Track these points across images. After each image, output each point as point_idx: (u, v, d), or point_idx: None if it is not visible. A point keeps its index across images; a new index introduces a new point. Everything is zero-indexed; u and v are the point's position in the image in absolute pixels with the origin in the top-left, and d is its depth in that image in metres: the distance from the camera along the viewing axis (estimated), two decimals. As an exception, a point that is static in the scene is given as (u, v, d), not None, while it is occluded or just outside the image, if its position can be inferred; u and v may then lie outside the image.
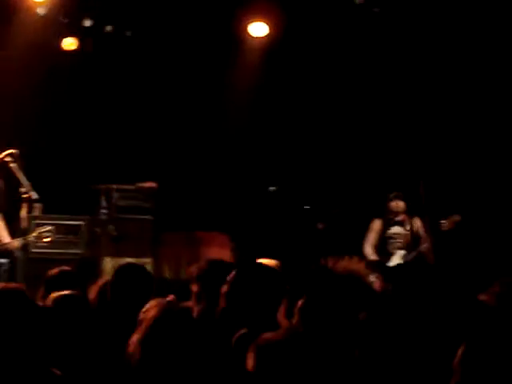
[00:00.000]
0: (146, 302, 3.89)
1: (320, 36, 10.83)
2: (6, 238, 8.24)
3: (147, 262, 9.17)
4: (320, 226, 10.52)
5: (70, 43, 10.92)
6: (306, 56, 11.10)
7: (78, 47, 10.95)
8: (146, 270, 4.98)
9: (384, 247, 9.56)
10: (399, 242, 9.54)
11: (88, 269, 8.78)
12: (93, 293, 5.01)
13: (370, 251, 9.53)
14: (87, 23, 10.74)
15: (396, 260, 9.48)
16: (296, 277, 4.61)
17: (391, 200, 9.54)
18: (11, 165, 8.27)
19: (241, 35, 11.02)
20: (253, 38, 11.05)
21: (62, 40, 10.89)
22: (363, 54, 10.84)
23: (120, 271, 4.86)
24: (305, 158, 11.38)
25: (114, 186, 9.98)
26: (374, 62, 10.87)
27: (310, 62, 11.14)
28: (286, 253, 8.42)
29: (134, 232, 9.83)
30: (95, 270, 9.20)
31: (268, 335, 3.10)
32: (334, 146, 11.27)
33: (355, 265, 5.20)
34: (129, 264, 5.23)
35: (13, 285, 3.53)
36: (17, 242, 8.24)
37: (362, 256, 8.96)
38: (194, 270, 4.70)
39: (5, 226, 8.36)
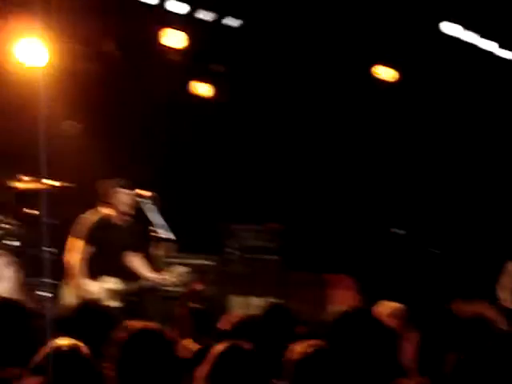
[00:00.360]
0: (290, 342, 3.96)
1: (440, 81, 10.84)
2: (147, 275, 8.47)
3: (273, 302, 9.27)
4: (447, 268, 10.37)
5: (202, 88, 11.26)
6: (433, 97, 11.08)
7: (210, 92, 11.29)
8: (290, 313, 5.13)
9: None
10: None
11: (217, 307, 8.95)
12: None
13: (505, 296, 9.08)
14: (220, 69, 11.05)
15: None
16: (422, 321, 4.61)
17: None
18: (145, 206, 8.58)
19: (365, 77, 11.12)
20: (377, 79, 11.12)
21: (194, 85, 11.25)
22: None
23: (268, 312, 5.03)
24: (434, 201, 11.28)
25: (242, 227, 10.17)
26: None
27: (437, 103, 11.10)
28: (413, 296, 8.36)
29: (260, 272, 9.97)
30: (224, 309, 9.37)
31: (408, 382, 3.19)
32: (464, 188, 11.14)
33: (484, 309, 5.14)
34: (276, 305, 5.42)
35: (152, 325, 3.59)
36: (157, 280, 8.45)
37: (494, 300, 8.64)
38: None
39: (144, 264, 8.61)
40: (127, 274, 8.46)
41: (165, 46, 10.55)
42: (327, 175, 11.39)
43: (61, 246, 8.74)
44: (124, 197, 8.42)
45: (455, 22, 10.62)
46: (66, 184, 9.55)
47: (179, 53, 10.63)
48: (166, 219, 8.67)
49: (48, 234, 9.56)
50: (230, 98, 11.35)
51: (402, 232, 11.11)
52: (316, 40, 10.64)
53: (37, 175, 9.50)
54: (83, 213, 8.52)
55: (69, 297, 8.21)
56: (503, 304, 8.83)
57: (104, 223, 8.40)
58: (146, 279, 8.40)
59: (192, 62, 10.95)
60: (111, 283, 8.31)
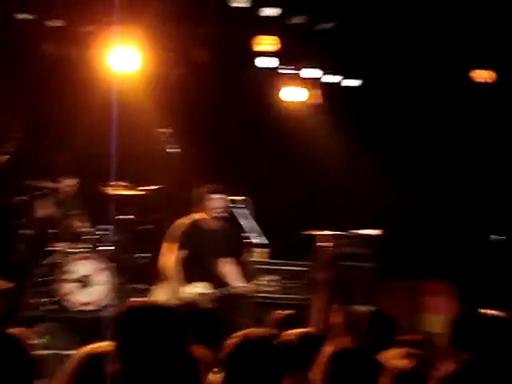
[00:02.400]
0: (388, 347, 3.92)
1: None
2: (237, 283, 8.46)
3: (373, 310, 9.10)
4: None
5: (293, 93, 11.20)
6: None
7: (304, 98, 11.21)
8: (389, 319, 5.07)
9: None
10: None
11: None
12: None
13: None
14: (313, 73, 10.95)
15: None
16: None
17: None
18: (241, 211, 8.55)
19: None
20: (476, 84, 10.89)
21: (281, 90, 11.19)
22: None
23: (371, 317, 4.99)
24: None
25: (338, 233, 10.03)
26: None
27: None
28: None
29: (355, 279, 9.80)
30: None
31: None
32: None
33: None
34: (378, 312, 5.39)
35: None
36: (245, 288, 8.43)
37: None
38: None
39: (235, 271, 8.60)
40: (218, 280, 8.46)
41: (258, 51, 10.51)
42: (424, 180, 11.17)
43: (155, 251, 8.80)
44: (216, 202, 8.42)
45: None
46: (158, 189, 9.63)
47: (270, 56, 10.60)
48: (259, 224, 8.64)
49: (142, 239, 9.70)
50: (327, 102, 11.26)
51: (501, 238, 10.77)
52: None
53: (131, 181, 9.61)
54: (177, 218, 8.58)
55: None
56: None
57: (196, 228, 8.41)
58: (233, 287, 8.38)
59: (282, 66, 10.90)
60: (202, 288, 8.31)
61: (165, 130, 9.28)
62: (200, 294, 8.24)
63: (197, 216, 8.47)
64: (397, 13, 9.95)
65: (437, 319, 9.37)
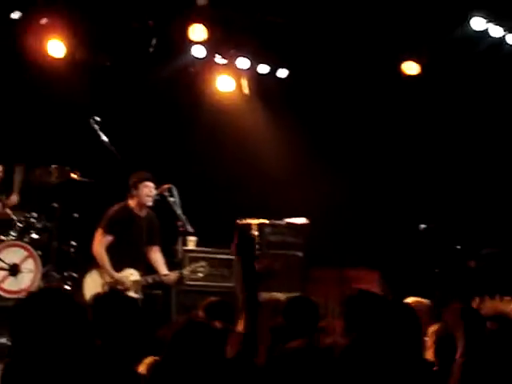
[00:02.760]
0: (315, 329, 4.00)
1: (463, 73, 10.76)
2: (164, 271, 8.54)
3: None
4: (472, 264, 10.25)
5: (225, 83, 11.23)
6: (455, 94, 10.99)
7: (235, 88, 11.25)
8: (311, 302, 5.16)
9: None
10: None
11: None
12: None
13: None
14: (243, 63, 11.00)
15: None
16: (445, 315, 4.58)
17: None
18: (169, 199, 8.61)
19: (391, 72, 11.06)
20: (405, 75, 11.04)
21: (217, 80, 11.22)
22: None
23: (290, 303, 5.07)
24: (458, 196, 11.19)
25: (266, 222, 10.12)
26: None
27: (463, 99, 11.01)
28: (436, 292, 8.28)
29: (284, 268, 9.90)
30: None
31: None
32: (487, 185, 11.03)
33: (505, 306, 5.06)
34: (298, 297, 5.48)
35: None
36: (173, 276, 8.53)
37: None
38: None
39: (162, 259, 8.67)
40: (146, 267, 8.51)
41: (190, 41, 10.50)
42: (352, 169, 11.33)
43: (87, 238, 8.79)
44: (146, 189, 8.47)
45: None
46: (88, 179, 9.59)
47: (202, 45, 10.59)
48: (187, 212, 8.70)
49: (72, 226, 9.65)
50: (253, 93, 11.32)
51: (426, 226, 10.99)
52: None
53: (61, 168, 9.54)
54: (110, 205, 8.62)
55: (92, 287, 8.24)
56: None
57: (122, 214, 8.47)
58: (162, 274, 8.46)
59: (214, 56, 10.93)
60: (131, 274, 8.35)
61: (96, 118, 9.24)
62: (129, 281, 8.29)
63: (127, 203, 8.52)
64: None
65: None
